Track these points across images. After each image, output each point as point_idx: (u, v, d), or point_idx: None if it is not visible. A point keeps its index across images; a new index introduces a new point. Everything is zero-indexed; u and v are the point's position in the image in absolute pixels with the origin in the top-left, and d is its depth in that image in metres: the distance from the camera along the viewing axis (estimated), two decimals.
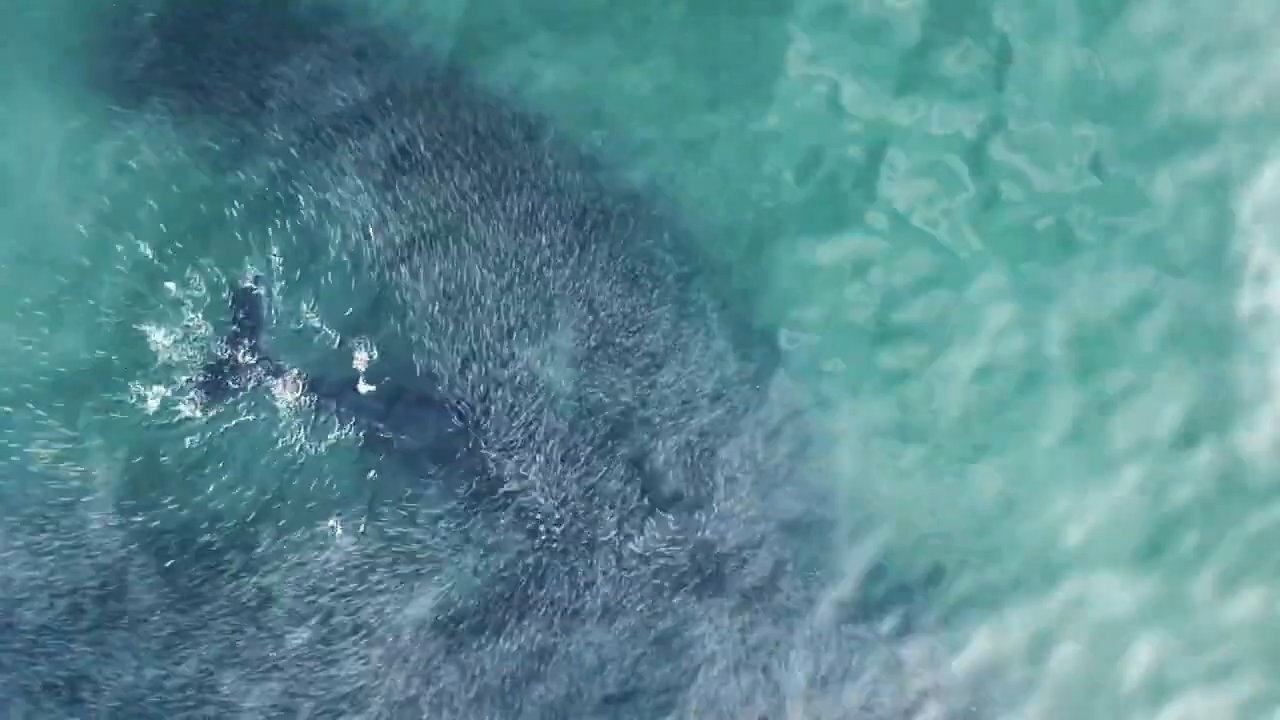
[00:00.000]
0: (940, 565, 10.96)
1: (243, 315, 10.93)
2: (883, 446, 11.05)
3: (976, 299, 11.16)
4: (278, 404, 10.87)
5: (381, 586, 10.77)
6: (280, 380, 10.92)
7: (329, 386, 10.93)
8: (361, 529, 10.74)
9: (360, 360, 10.94)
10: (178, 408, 10.85)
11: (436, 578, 10.79)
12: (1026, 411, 11.07)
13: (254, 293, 10.95)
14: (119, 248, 10.90)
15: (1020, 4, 11.19)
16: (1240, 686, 10.79)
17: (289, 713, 10.60)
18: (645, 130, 11.22)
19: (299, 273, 10.97)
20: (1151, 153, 11.14)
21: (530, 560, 10.82)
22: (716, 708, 10.78)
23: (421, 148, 11.12)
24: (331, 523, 10.78)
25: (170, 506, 10.74)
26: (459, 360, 10.90)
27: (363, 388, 10.91)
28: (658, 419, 11.00)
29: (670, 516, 10.87)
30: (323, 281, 10.96)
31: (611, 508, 10.87)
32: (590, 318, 11.05)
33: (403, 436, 10.83)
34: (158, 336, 10.91)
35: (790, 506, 11.00)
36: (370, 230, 11.01)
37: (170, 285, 10.92)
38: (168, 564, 10.67)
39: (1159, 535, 10.96)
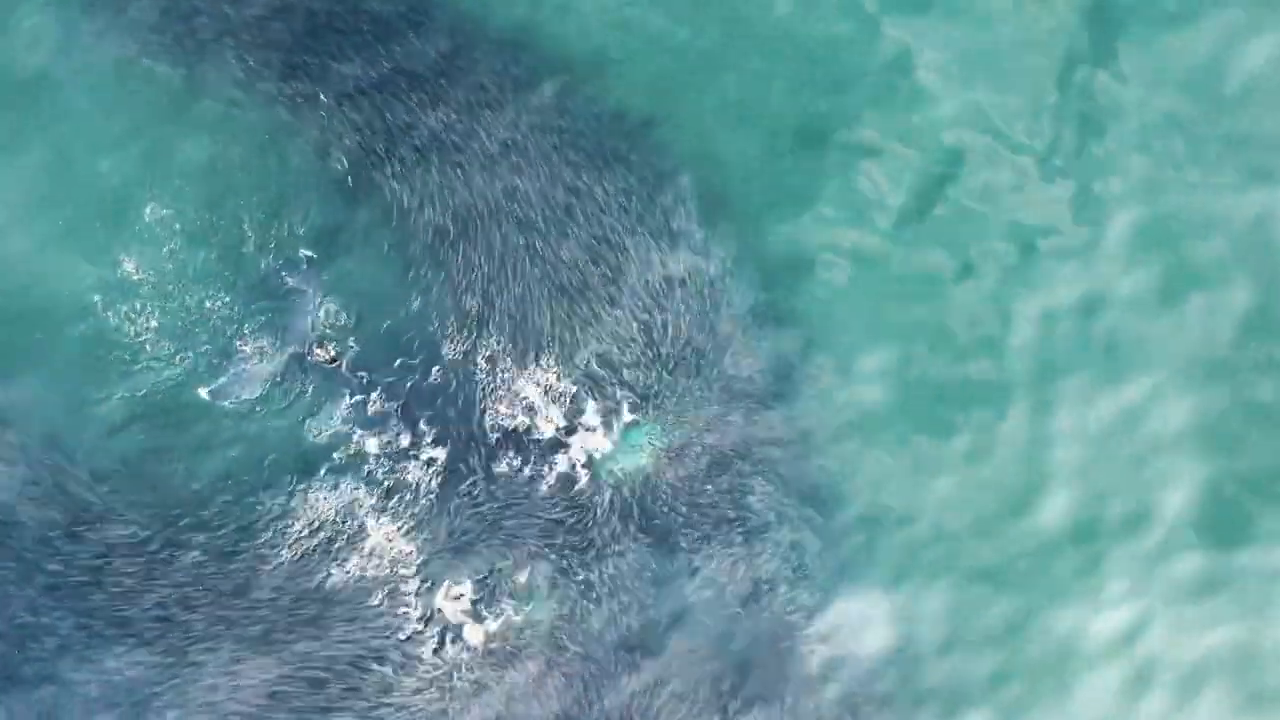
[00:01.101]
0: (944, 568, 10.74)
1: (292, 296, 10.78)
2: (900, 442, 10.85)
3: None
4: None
5: None
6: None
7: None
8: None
9: (323, 322, 10.73)
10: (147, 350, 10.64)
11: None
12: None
13: (305, 272, 10.75)
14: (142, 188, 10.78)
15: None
16: None
17: None
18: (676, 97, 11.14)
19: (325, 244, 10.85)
20: None
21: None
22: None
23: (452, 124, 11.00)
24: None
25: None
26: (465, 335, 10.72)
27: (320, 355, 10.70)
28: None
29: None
30: (345, 256, 10.84)
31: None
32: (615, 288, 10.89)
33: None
34: (131, 267, 10.65)
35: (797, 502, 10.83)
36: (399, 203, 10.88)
37: (148, 210, 10.70)
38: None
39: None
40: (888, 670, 10.56)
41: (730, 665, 10.51)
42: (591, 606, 10.47)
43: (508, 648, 10.37)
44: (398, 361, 10.64)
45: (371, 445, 10.50)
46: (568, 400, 10.64)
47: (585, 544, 10.52)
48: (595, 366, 10.68)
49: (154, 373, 10.54)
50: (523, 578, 10.45)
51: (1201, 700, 10.46)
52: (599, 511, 10.56)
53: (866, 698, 10.52)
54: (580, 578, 10.48)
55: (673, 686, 10.44)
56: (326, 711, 10.20)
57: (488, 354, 10.63)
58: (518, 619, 10.39)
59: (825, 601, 10.63)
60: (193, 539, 10.37)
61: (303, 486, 10.45)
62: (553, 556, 10.49)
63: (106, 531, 10.34)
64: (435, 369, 10.62)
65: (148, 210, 10.65)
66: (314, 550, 10.37)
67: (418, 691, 10.25)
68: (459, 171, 10.88)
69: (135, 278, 10.59)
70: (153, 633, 10.22)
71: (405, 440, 10.53)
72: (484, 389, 10.59)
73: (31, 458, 10.43)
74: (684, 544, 10.61)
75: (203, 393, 10.54)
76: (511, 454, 10.55)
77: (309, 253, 10.74)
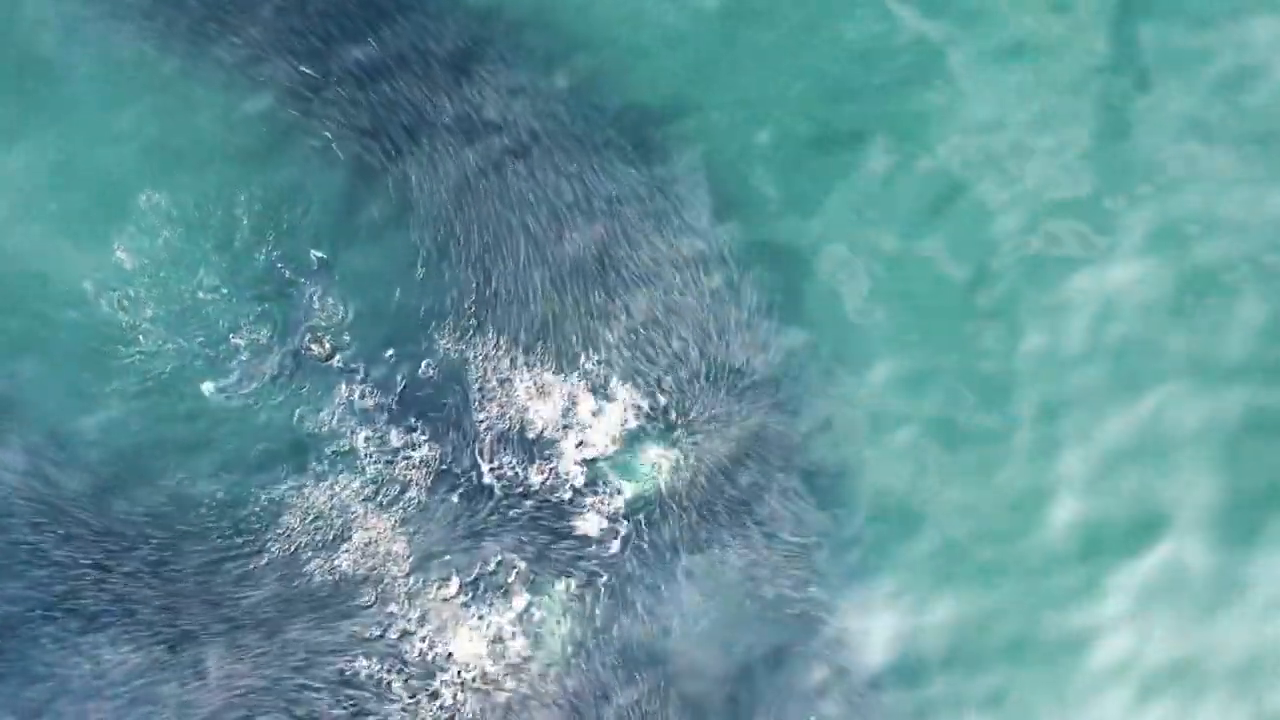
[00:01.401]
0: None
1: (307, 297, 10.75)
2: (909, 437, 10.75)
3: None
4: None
5: None
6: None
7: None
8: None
9: (319, 315, 10.66)
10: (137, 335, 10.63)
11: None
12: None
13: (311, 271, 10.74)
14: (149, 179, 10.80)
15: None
16: None
17: None
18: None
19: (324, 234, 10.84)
20: None
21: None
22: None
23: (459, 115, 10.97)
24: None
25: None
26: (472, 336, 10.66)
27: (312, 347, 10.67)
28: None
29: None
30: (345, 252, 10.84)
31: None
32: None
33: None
34: (126, 256, 10.64)
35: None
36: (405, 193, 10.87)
37: (144, 198, 10.70)
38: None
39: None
40: (892, 679, 10.44)
41: (734, 672, 10.40)
42: (590, 610, 10.35)
43: (500, 650, 10.26)
44: (390, 354, 10.57)
45: (364, 441, 10.43)
46: (565, 398, 10.54)
47: (582, 545, 10.41)
48: (595, 364, 10.58)
49: (148, 364, 10.52)
50: (516, 579, 10.34)
51: (1206, 711, 10.32)
52: (597, 513, 10.45)
53: (870, 707, 10.39)
54: (577, 580, 10.36)
55: (675, 693, 10.33)
56: (310, 710, 10.11)
57: (484, 350, 10.53)
58: (509, 618, 10.28)
59: (832, 609, 10.52)
60: (182, 532, 10.32)
61: (294, 481, 10.39)
62: (548, 558, 10.37)
63: (95, 522, 10.31)
64: (430, 364, 10.54)
65: (143, 199, 10.66)
66: (304, 546, 10.30)
67: (405, 693, 10.14)
68: (457, 161, 10.84)
69: (130, 267, 10.58)
70: (137, 627, 10.18)
71: (397, 436, 10.44)
72: (479, 385, 10.50)
73: (22, 447, 10.43)
74: (686, 548, 10.51)
75: (205, 388, 10.52)
76: (506, 452, 10.43)
77: (319, 254, 10.71)
